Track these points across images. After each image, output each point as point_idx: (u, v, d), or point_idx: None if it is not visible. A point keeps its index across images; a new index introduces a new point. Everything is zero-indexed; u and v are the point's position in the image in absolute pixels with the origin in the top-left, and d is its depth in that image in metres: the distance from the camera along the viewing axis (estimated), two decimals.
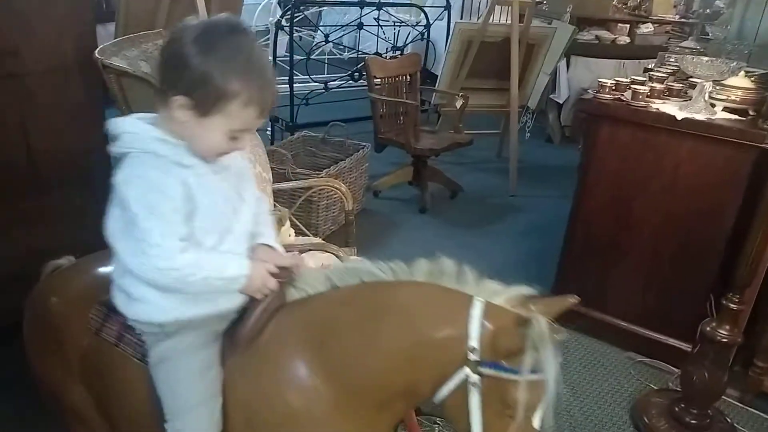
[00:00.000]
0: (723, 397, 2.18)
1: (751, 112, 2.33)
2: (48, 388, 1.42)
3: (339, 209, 3.31)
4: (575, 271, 2.69)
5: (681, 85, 2.60)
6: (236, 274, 1.15)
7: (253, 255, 1.22)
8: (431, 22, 5.43)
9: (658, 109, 2.38)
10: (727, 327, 1.98)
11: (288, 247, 1.41)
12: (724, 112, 2.35)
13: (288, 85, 4.61)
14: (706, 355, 2.02)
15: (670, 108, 2.37)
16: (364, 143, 3.83)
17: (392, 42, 5.41)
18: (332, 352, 1.13)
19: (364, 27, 5.12)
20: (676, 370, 2.37)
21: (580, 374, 2.46)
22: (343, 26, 5.33)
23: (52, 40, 2.12)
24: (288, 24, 4.59)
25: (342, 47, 5.56)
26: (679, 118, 2.28)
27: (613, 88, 2.52)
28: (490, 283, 1.08)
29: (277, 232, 1.40)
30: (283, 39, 4.83)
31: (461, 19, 5.60)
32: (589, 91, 2.80)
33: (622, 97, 2.48)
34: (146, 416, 1.23)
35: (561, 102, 5.36)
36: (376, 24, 5.16)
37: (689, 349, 2.18)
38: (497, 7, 4.38)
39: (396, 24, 5.41)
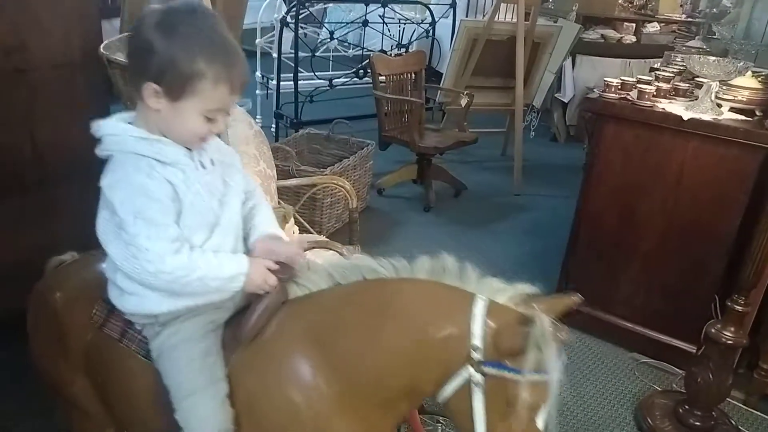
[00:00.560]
0: (727, 399, 2.17)
1: (757, 113, 2.32)
2: (51, 381, 1.42)
3: (343, 207, 3.31)
4: (579, 271, 2.68)
5: (687, 84, 2.59)
6: (234, 273, 1.15)
7: (253, 251, 1.23)
8: (436, 19, 5.41)
9: (664, 108, 2.37)
10: (732, 329, 1.97)
11: None
12: (730, 113, 2.34)
13: (293, 82, 4.61)
14: (711, 356, 2.01)
15: (677, 108, 2.36)
16: (369, 141, 3.82)
17: (397, 39, 5.40)
18: (334, 349, 1.13)
19: (369, 24, 5.10)
20: (681, 371, 2.36)
21: (583, 374, 2.46)
22: (348, 23, 5.32)
23: (59, 36, 2.12)
24: (293, 21, 4.58)
25: (347, 44, 5.54)
26: (685, 118, 2.27)
27: (619, 87, 2.51)
28: (492, 281, 1.08)
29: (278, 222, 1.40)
30: (288, 36, 4.82)
31: (466, 16, 5.59)
32: (594, 90, 2.80)
33: (628, 97, 2.47)
34: (150, 411, 1.24)
35: (566, 101, 5.35)
36: (381, 21, 5.14)
37: (694, 351, 2.17)
38: (503, 5, 4.36)
39: (401, 21, 5.40)
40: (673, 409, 2.19)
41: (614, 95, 2.48)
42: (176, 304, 1.18)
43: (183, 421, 1.16)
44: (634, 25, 5.43)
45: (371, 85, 4.03)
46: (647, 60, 4.63)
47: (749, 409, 2.32)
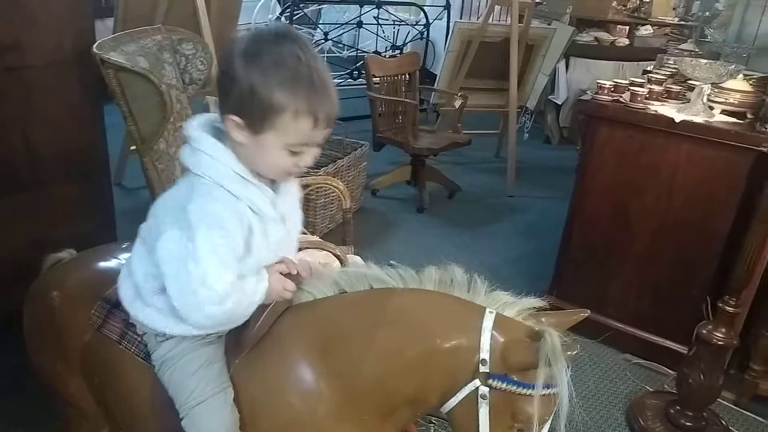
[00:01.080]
0: (718, 399, 2.19)
1: (749, 115, 2.33)
2: (47, 380, 1.41)
3: (337, 207, 3.31)
4: (572, 272, 2.69)
5: (679, 87, 2.60)
6: (261, 292, 1.12)
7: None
8: (431, 21, 5.43)
9: (656, 111, 2.38)
10: (723, 330, 1.98)
11: None
12: (722, 115, 2.35)
13: None
14: (702, 357, 2.02)
15: (669, 110, 2.37)
16: (363, 142, 3.82)
17: (392, 41, 5.42)
18: (339, 357, 1.11)
19: (363, 25, 5.12)
20: (672, 372, 2.37)
21: (575, 375, 2.42)
22: (342, 24, 5.32)
23: (53, 34, 2.12)
24: (287, 21, 4.58)
25: (341, 45, 5.56)
26: (677, 120, 2.29)
27: (612, 89, 2.52)
28: (501, 295, 1.07)
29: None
30: None
31: (461, 18, 5.61)
32: (587, 92, 2.81)
33: (621, 99, 2.48)
34: (149, 413, 1.23)
35: (560, 103, 5.37)
36: (376, 23, 5.16)
37: (685, 352, 2.18)
38: (497, 7, 4.38)
39: (395, 23, 5.42)
40: (664, 410, 2.20)
41: (607, 97, 2.49)
42: (191, 331, 1.14)
43: (191, 428, 1.14)
44: (627, 28, 5.46)
45: (365, 86, 4.04)
46: (640, 63, 4.65)
47: (740, 410, 2.33)
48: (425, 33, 5.42)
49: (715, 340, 1.98)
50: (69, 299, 1.34)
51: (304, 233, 2.42)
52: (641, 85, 2.54)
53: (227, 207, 1.06)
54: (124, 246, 1.45)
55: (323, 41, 5.20)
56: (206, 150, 1.07)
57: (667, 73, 2.89)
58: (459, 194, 4.22)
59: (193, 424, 1.14)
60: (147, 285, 1.16)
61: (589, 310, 1.08)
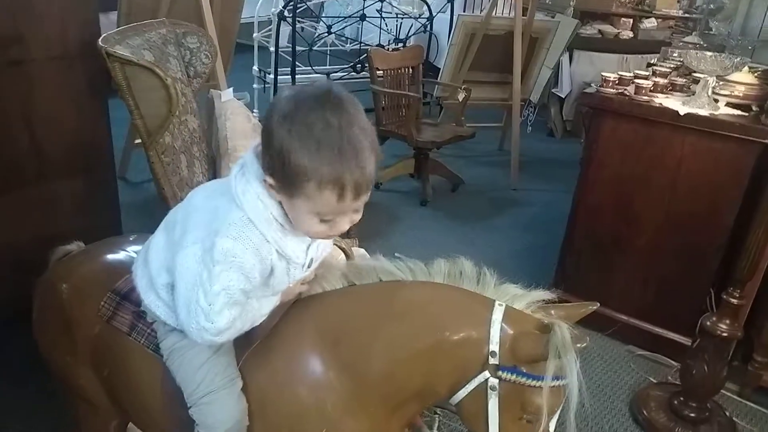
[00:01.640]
0: (722, 391, 2.20)
1: (754, 108, 2.33)
2: (57, 372, 1.42)
3: None
4: (576, 265, 2.70)
5: (684, 80, 2.60)
6: (268, 309, 1.14)
7: None
8: (434, 14, 5.41)
9: (661, 104, 2.38)
10: (727, 321, 1.99)
11: None
12: (727, 108, 2.35)
13: (290, 77, 4.60)
14: (706, 349, 2.03)
15: (673, 103, 2.37)
16: None
17: (395, 34, 5.40)
18: (348, 349, 1.12)
19: (366, 19, 5.10)
20: (676, 363, 2.38)
21: (579, 366, 2.46)
22: (345, 17, 5.31)
23: (57, 28, 2.12)
24: (290, 15, 4.57)
25: (344, 39, 5.53)
26: (681, 113, 2.28)
27: (616, 82, 2.51)
28: (510, 287, 1.08)
29: None
30: (286, 30, 4.82)
31: (464, 11, 5.59)
32: (591, 85, 2.80)
33: (625, 92, 2.48)
34: (158, 404, 1.24)
35: (563, 96, 5.35)
36: (379, 16, 5.14)
37: (689, 343, 2.19)
38: (500, 0, 4.36)
39: (399, 16, 5.39)
40: (668, 401, 2.21)
41: (611, 90, 2.49)
42: None
43: (199, 417, 1.15)
44: (631, 20, 5.43)
45: (368, 79, 4.03)
46: (644, 55, 4.63)
47: (743, 401, 2.34)
48: (428, 26, 5.41)
49: (719, 332, 1.99)
50: (78, 291, 1.34)
51: None
52: (646, 78, 2.54)
53: (255, 252, 1.05)
54: (132, 238, 1.46)
55: (326, 34, 5.19)
56: (255, 188, 1.04)
57: (672, 65, 2.89)
58: (462, 187, 4.22)
59: (201, 413, 1.15)
60: (159, 279, 1.18)
61: (598, 303, 1.09)
